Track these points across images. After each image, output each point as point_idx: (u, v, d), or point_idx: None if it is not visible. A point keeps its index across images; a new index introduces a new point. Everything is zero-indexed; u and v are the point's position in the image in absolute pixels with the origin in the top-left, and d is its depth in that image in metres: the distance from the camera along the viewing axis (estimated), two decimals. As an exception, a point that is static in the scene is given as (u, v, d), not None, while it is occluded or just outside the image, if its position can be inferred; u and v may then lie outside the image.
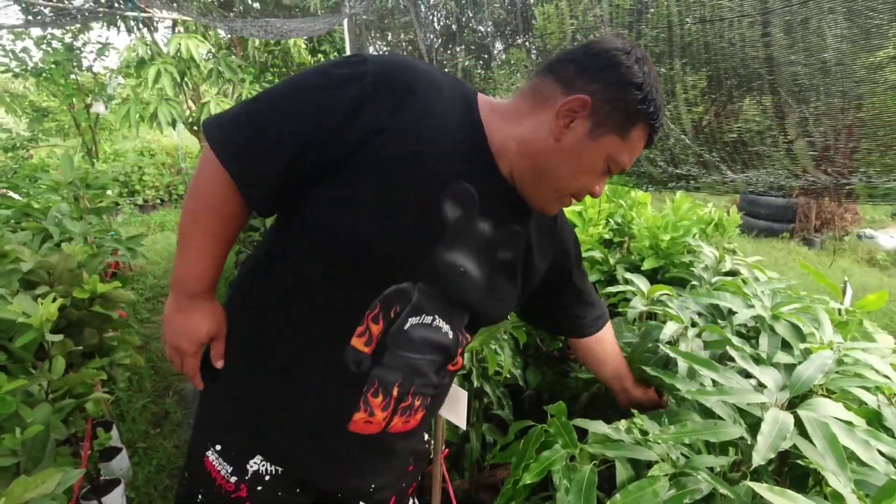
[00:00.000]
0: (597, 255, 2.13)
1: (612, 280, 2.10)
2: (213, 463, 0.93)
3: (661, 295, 1.58)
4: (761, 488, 0.78)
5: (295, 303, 0.85)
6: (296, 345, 0.86)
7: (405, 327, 0.84)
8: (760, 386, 0.99)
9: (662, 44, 2.09)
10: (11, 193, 2.81)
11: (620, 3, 2.28)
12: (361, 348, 0.83)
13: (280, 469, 0.93)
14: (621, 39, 0.79)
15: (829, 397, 1.11)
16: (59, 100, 6.80)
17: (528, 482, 0.99)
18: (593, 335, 1.24)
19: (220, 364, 0.93)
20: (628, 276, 1.71)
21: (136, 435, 2.40)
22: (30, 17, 4.69)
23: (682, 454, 1.00)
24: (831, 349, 1.12)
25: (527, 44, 3.20)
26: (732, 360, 1.11)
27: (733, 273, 1.75)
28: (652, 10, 2.31)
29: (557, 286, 1.13)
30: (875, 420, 1.04)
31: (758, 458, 0.82)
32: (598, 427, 1.07)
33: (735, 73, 1.70)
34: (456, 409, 1.22)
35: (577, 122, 0.77)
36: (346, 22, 4.27)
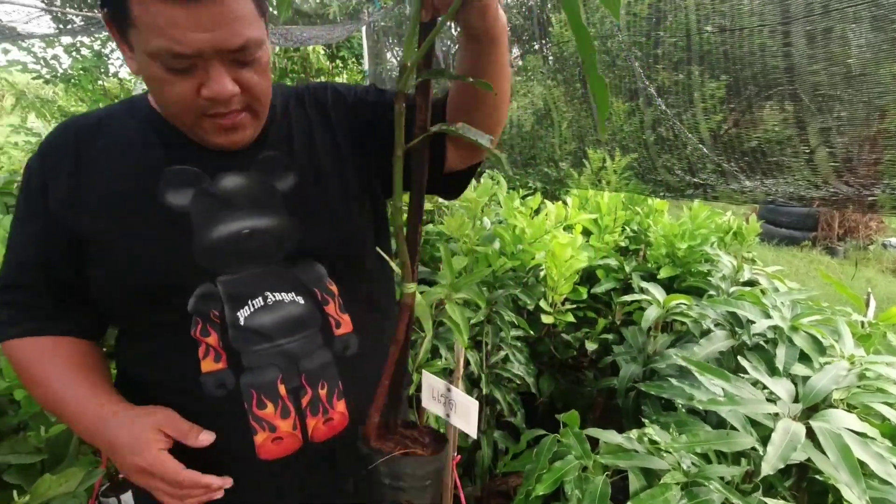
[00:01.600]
0: (612, 262, 2.12)
1: (628, 289, 2.08)
2: None
3: (678, 304, 1.57)
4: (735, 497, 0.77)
5: (134, 365, 0.80)
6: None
7: (241, 323, 0.74)
8: (773, 397, 0.98)
9: (681, 52, 2.08)
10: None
11: (638, 12, 2.27)
12: (214, 368, 0.74)
13: None
14: None
15: (851, 412, 1.09)
16: (86, 104, 7.00)
17: (541, 493, 0.99)
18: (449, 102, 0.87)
19: (204, 438, 0.74)
20: (644, 284, 1.70)
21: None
22: (61, 26, 4.84)
23: (692, 463, 0.99)
24: (851, 363, 1.10)
25: (544, 50, 3.20)
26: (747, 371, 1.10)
27: (752, 283, 1.73)
28: (670, 19, 2.30)
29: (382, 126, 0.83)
30: (896, 438, 1.01)
31: (767, 468, 0.81)
32: (610, 437, 1.06)
33: (755, 82, 1.68)
34: (466, 417, 1.21)
35: (122, 46, 0.67)
36: (364, 29, 4.32)
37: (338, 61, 8.48)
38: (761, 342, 1.29)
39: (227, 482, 0.73)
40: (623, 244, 2.33)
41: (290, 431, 0.76)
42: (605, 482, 0.96)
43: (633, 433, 1.08)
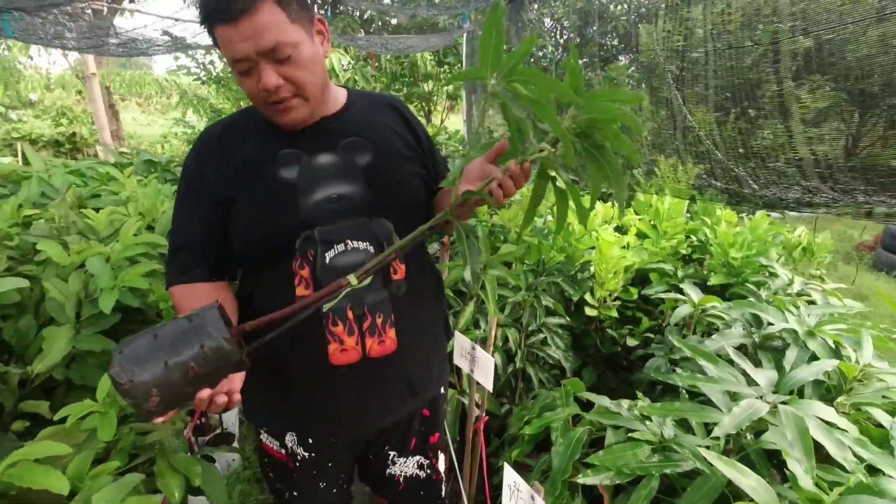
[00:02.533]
0: (667, 267, 2.16)
1: (681, 294, 2.12)
2: (266, 442, 1.15)
3: (711, 305, 1.63)
4: (712, 456, 0.89)
5: (256, 304, 1.05)
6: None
7: (327, 262, 0.98)
8: (753, 382, 1.06)
9: (789, 59, 1.99)
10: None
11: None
12: (305, 294, 0.97)
13: (310, 440, 1.11)
14: None
15: (848, 415, 1.13)
16: (230, 102, 8.17)
17: (529, 433, 1.17)
18: None
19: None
20: (684, 286, 1.76)
21: (252, 374, 2.93)
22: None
23: (674, 434, 1.11)
24: (860, 370, 1.13)
25: (630, 60, 3.24)
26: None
27: (801, 294, 1.71)
28: (760, 28, 2.26)
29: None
30: (887, 443, 1.04)
31: (718, 430, 0.92)
32: (601, 401, 1.21)
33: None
34: (486, 372, 1.42)
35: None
36: (465, 36, 4.63)
37: (446, 66, 8.95)
38: (777, 344, 1.33)
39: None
40: (685, 252, 2.35)
41: (353, 346, 1.00)
42: (584, 432, 1.11)
43: (624, 402, 1.21)
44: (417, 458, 1.22)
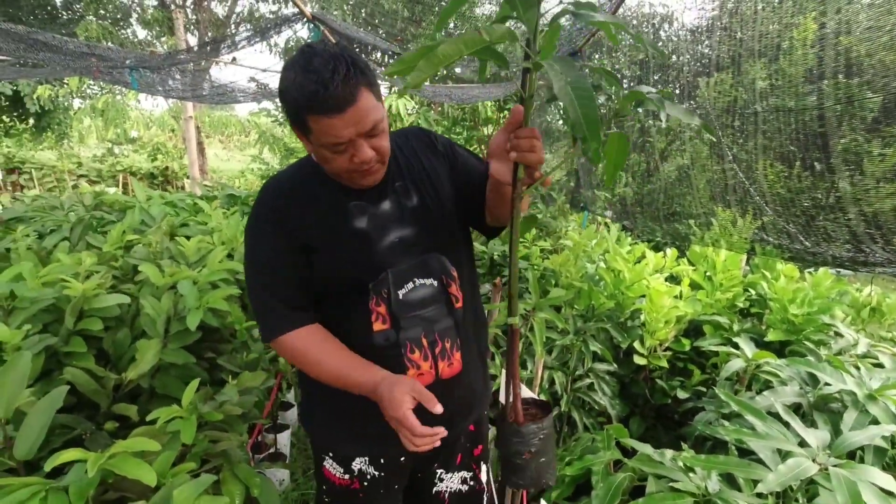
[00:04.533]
0: (722, 320, 2.12)
1: (736, 348, 2.06)
2: (330, 469, 1.24)
3: (765, 361, 1.59)
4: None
5: (328, 326, 1.14)
6: None
7: (400, 298, 1.08)
8: (804, 442, 1.04)
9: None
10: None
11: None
12: (382, 327, 1.08)
13: (380, 474, 1.20)
14: (290, 62, 0.96)
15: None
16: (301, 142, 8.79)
17: (570, 474, 1.19)
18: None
19: (437, 408, 0.99)
20: (737, 339, 1.73)
21: (306, 399, 3.08)
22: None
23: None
24: (918, 435, 1.08)
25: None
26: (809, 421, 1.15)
27: (867, 357, 1.63)
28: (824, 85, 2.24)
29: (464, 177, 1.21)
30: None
31: (762, 487, 0.92)
32: (644, 448, 1.22)
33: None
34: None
35: (303, 138, 1.02)
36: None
37: (505, 111, 9.24)
38: (836, 406, 1.29)
39: (444, 433, 0.98)
40: (742, 305, 2.29)
41: (428, 370, 1.10)
42: (625, 478, 1.12)
43: (668, 452, 1.21)
44: (462, 473, 1.29)
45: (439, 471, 1.27)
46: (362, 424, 1.16)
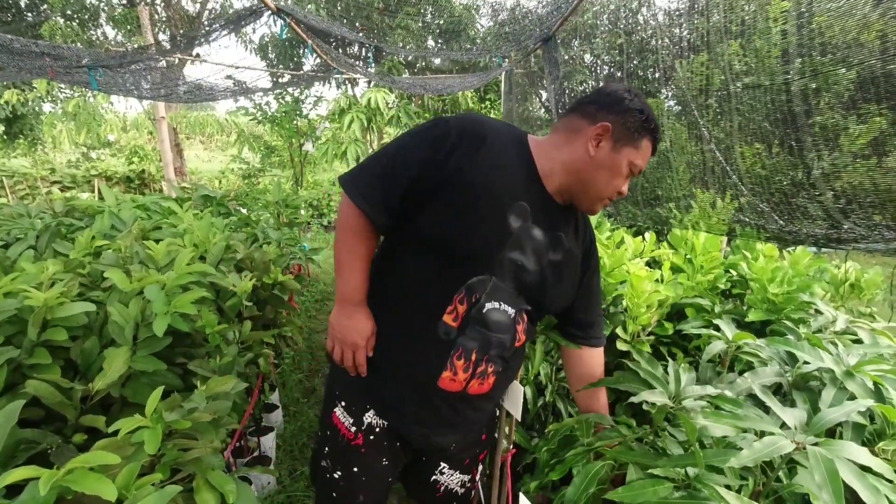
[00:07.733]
0: (704, 302, 2.11)
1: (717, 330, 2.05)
2: (339, 416, 1.26)
3: (744, 342, 1.58)
4: (731, 497, 0.87)
5: (404, 291, 1.16)
6: (402, 321, 1.17)
7: (484, 310, 1.09)
8: (781, 423, 1.03)
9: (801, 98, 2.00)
10: (241, 208, 3.84)
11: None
12: (450, 323, 1.10)
13: (386, 423, 1.23)
14: (623, 85, 1.08)
15: (890, 461, 1.08)
16: (282, 139, 8.70)
17: (545, 460, 1.18)
18: (589, 348, 1.37)
19: (371, 353, 1.20)
20: (718, 321, 1.72)
21: (290, 400, 3.04)
22: (276, 81, 6.27)
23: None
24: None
25: (668, 95, 3.26)
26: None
27: (846, 333, 1.63)
28: (798, 61, 2.23)
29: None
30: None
31: (734, 461, 0.90)
32: (619, 429, 1.20)
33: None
34: (514, 401, 1.43)
35: (604, 142, 1.06)
36: (503, 74, 4.79)
37: (487, 102, 9.20)
38: (815, 384, 1.28)
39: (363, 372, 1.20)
40: (724, 286, 2.28)
41: (461, 380, 1.13)
42: (603, 466, 1.10)
43: (646, 433, 1.20)
44: (463, 476, 1.35)
45: (443, 464, 1.31)
46: (382, 383, 1.20)
